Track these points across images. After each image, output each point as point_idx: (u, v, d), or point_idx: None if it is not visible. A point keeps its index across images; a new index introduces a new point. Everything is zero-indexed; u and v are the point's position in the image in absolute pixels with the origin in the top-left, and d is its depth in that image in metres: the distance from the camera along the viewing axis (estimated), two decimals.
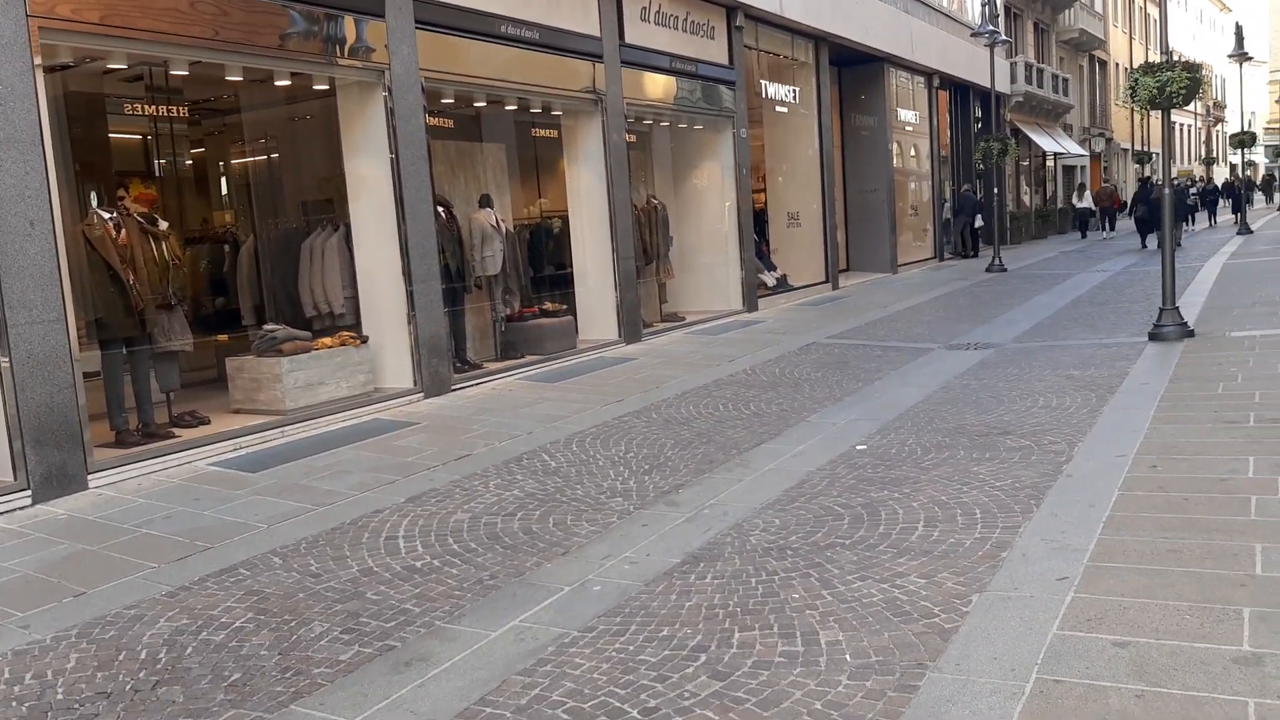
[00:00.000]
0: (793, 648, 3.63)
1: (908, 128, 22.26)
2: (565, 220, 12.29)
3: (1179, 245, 24.68)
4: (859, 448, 6.55)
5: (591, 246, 11.92)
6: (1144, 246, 23.53)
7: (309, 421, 7.90)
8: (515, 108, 11.33)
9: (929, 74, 22.82)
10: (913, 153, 23.04)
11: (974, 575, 4.18)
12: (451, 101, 10.58)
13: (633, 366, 10.40)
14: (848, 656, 3.53)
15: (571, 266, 12.14)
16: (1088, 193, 31.89)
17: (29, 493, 5.99)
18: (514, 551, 4.90)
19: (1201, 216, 33.80)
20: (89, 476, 6.33)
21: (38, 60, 6.17)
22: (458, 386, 9.34)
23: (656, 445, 6.96)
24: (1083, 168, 39.22)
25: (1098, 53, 40.50)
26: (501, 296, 10.71)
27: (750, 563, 4.53)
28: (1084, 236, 29.74)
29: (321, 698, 3.48)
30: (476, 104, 11.09)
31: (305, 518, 5.61)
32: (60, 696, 3.56)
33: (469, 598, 4.34)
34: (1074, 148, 36.43)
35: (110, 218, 7.15)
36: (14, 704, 3.51)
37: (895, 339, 11.68)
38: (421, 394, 8.90)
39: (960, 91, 25.59)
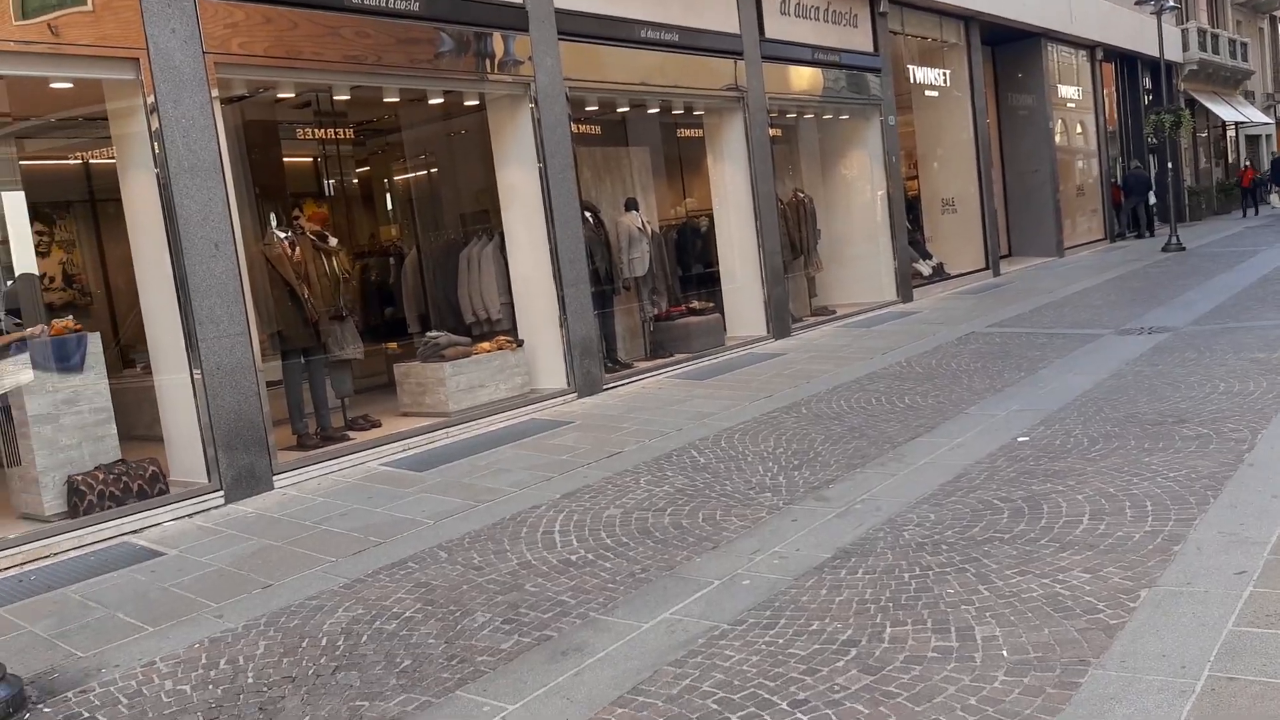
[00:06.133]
0: (946, 643, 3.56)
1: (1070, 104, 21.18)
2: (711, 219, 12.34)
3: None
4: (1020, 439, 6.32)
5: (737, 243, 11.92)
6: None
7: (471, 422, 8.25)
8: (658, 110, 11.45)
9: (1091, 46, 21.64)
10: (1078, 130, 21.90)
11: (1143, 570, 3.99)
12: (596, 108, 10.81)
13: (781, 362, 10.34)
14: (1005, 652, 3.43)
15: (718, 264, 12.18)
16: None
17: (221, 493, 6.52)
18: (664, 545, 4.99)
19: None
20: (274, 477, 6.83)
21: (215, 93, 6.69)
22: (609, 386, 9.54)
23: (806, 440, 6.92)
24: (1268, 136, 36.33)
25: (1278, 13, 37.44)
26: (649, 297, 10.86)
27: (903, 557, 4.46)
28: None
29: (484, 684, 3.65)
30: (620, 109, 11.27)
31: (468, 514, 5.87)
32: (250, 680, 3.87)
33: (622, 590, 4.45)
34: (1257, 115, 33.78)
35: (285, 237, 7.69)
36: (210, 687, 3.84)
37: (1062, 325, 11.16)
38: (575, 394, 9.14)
39: (1127, 63, 24.14)
